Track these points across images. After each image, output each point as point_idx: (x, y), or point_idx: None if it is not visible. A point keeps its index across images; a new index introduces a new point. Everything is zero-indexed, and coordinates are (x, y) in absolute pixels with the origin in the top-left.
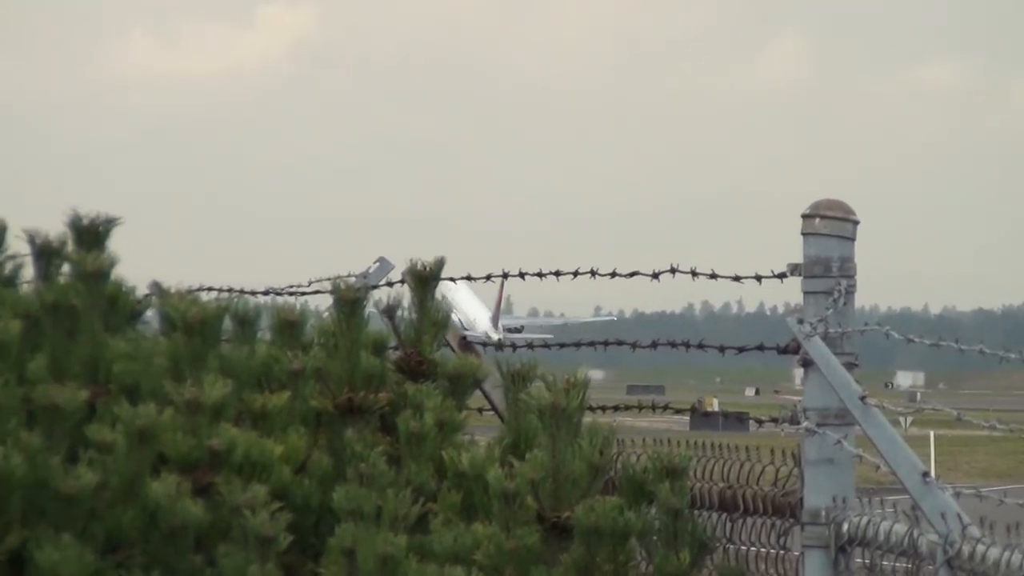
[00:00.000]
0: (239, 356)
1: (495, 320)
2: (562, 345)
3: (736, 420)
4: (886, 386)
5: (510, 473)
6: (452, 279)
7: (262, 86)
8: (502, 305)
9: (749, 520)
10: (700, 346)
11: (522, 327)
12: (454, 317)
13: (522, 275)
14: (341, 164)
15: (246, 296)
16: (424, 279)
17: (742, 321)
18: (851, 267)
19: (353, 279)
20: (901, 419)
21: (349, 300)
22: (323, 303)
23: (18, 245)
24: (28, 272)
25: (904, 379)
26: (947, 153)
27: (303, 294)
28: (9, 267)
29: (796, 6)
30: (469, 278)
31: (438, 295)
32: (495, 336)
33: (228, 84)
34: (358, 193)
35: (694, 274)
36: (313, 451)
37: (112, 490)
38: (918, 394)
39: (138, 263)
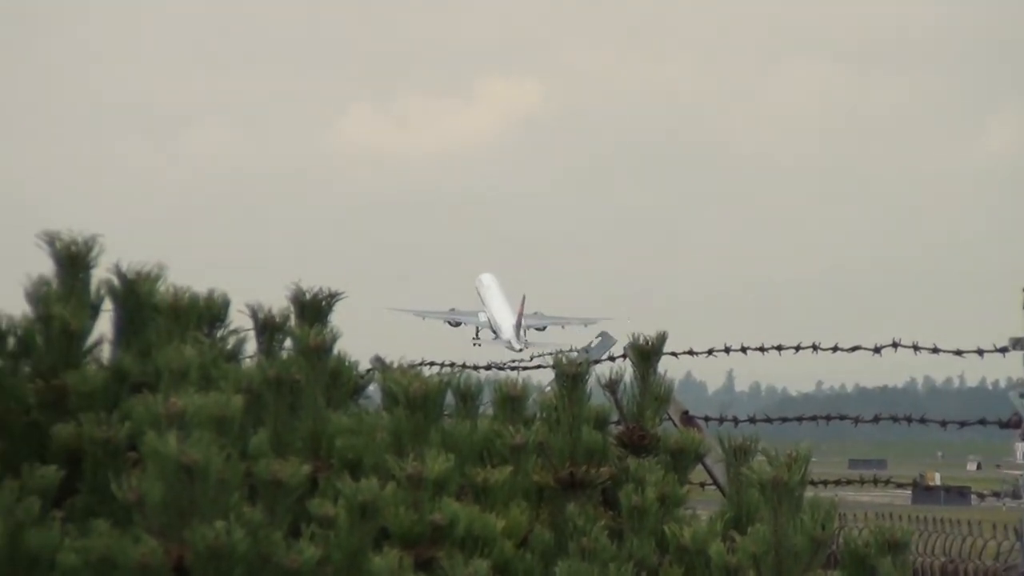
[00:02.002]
0: (461, 431)
1: (517, 329)
2: (784, 419)
3: (958, 494)
4: None
5: (732, 548)
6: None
7: (483, 160)
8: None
9: None
10: (922, 420)
11: (545, 327)
12: (481, 316)
13: (744, 349)
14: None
15: (468, 371)
16: (646, 354)
17: (964, 395)
18: None
19: (575, 354)
20: None
21: (571, 374)
22: (545, 377)
23: (241, 320)
24: (251, 347)
25: None
26: None
27: (525, 368)
28: (232, 342)
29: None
30: (691, 353)
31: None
32: (517, 346)
33: (448, 159)
34: (577, 263)
35: (916, 348)
36: (535, 525)
37: (335, 565)
38: None
39: (360, 338)
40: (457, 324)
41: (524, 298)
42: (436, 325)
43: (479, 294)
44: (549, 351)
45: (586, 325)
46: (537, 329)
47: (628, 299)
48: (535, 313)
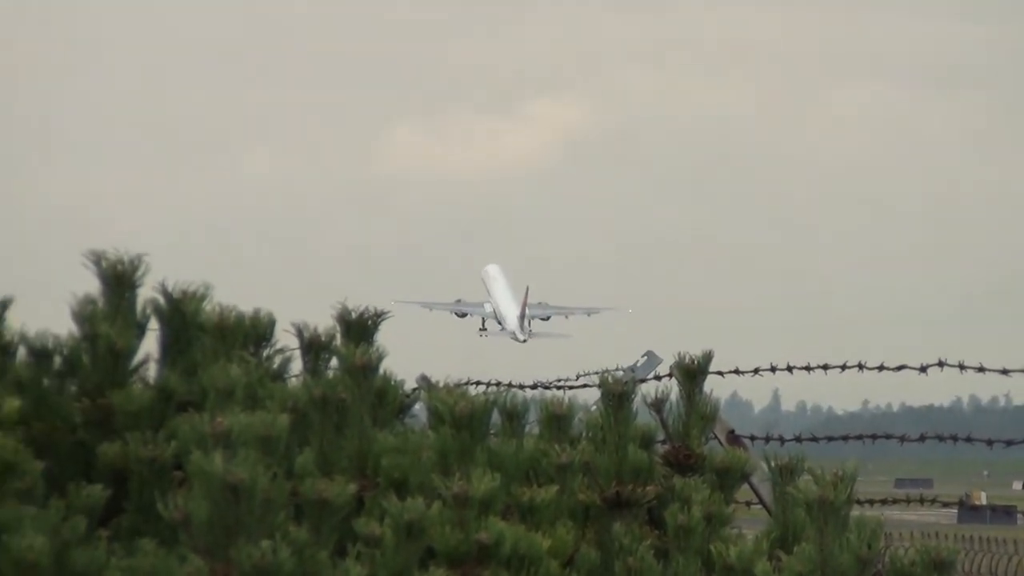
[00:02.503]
0: (507, 450)
1: (521, 320)
2: (830, 438)
3: (1004, 513)
4: None
5: (778, 567)
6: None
7: (531, 180)
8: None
9: None
10: (968, 439)
11: (549, 316)
12: (487, 307)
13: (790, 368)
14: (609, 259)
15: (514, 389)
16: (692, 373)
17: (1010, 414)
18: None
19: (621, 372)
20: None
21: (617, 393)
22: (591, 396)
23: (287, 339)
24: (297, 366)
25: None
26: None
27: (571, 387)
28: (278, 361)
29: None
30: (737, 372)
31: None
32: (521, 336)
33: (496, 179)
34: (625, 286)
35: (962, 367)
36: (581, 545)
37: None
38: None
39: (406, 356)
40: (463, 315)
41: (528, 289)
42: (481, 340)
43: (485, 285)
44: (552, 338)
45: (589, 314)
46: (541, 319)
47: (674, 320)
48: (539, 303)
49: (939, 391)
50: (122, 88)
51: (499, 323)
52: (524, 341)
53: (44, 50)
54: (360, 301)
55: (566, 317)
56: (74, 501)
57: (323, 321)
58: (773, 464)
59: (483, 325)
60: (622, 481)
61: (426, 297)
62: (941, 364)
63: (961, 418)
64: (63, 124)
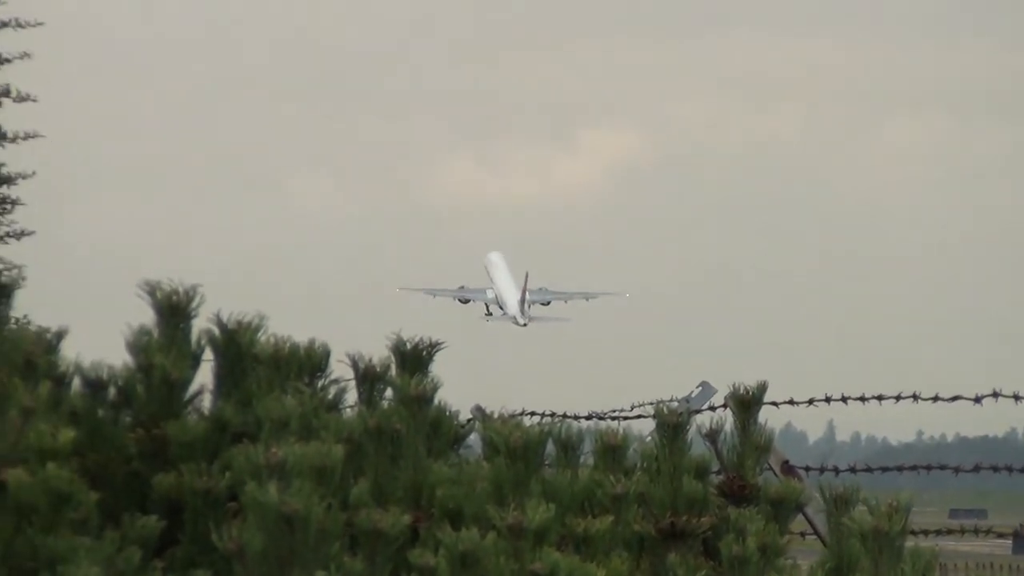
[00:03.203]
0: (562, 480)
1: (522, 304)
2: (885, 469)
3: None
4: None
5: None
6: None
7: (584, 210)
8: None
9: None
10: (1023, 470)
11: (549, 301)
12: (489, 293)
13: (844, 399)
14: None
15: (568, 420)
16: (747, 403)
17: None
18: None
19: (675, 403)
20: None
21: (672, 424)
22: (646, 427)
23: (342, 369)
24: (352, 396)
25: None
26: None
27: (626, 418)
28: (333, 391)
29: None
30: (791, 402)
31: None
32: (521, 320)
33: (550, 208)
34: (678, 318)
35: (1016, 398)
36: (636, 575)
37: None
38: None
39: (460, 387)
40: (467, 301)
41: (527, 274)
42: (536, 370)
43: (487, 272)
44: (551, 322)
45: (587, 299)
46: (542, 304)
47: (727, 350)
48: (540, 289)
49: (994, 421)
50: (174, 117)
51: (500, 308)
52: (524, 325)
53: (94, 78)
54: (416, 331)
55: (565, 302)
56: (129, 532)
57: (378, 351)
58: (828, 495)
59: (488, 311)
60: (677, 512)
61: (431, 283)
62: (996, 395)
63: (1016, 448)
64: (115, 153)
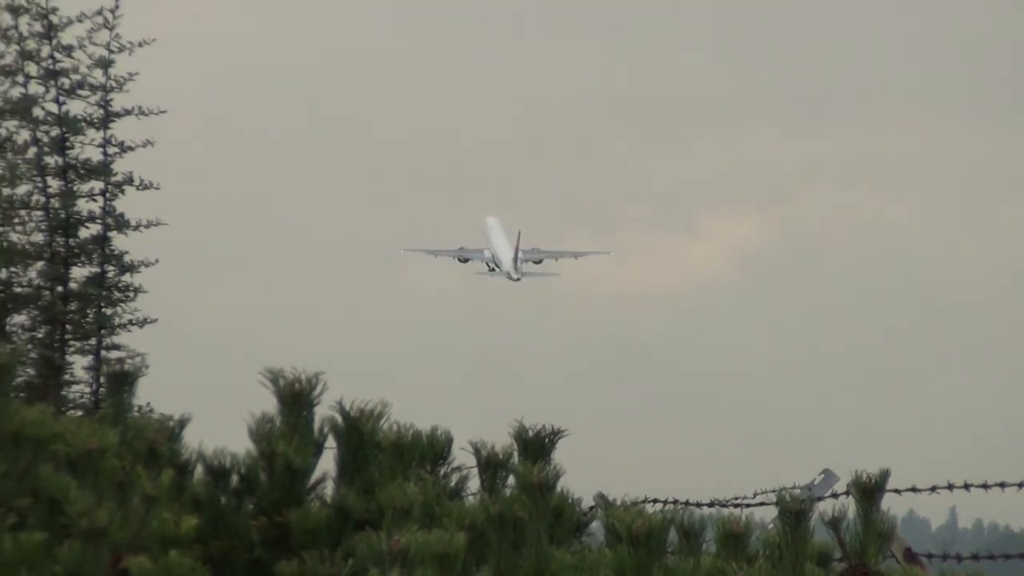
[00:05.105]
0: (684, 568)
1: (515, 262)
2: (1007, 556)
3: None
4: None
5: None
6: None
7: (709, 297)
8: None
9: None
10: None
11: (541, 259)
12: (486, 252)
13: (967, 486)
14: (782, 373)
15: (691, 507)
16: (869, 490)
17: None
18: None
19: (798, 491)
20: None
21: (794, 511)
22: (768, 515)
23: (464, 457)
24: (474, 484)
25: None
26: None
27: (748, 505)
28: (455, 479)
29: None
30: (914, 489)
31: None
32: (515, 276)
33: (676, 297)
34: (801, 402)
35: None
36: None
37: None
38: None
39: (584, 474)
40: (466, 260)
41: (519, 233)
42: (658, 457)
43: (485, 234)
44: (541, 276)
45: (576, 257)
46: (534, 262)
47: (849, 437)
48: (532, 248)
49: None
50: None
51: (496, 266)
52: (517, 280)
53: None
54: (539, 419)
55: (555, 260)
56: None
57: (501, 439)
58: None
59: (489, 267)
60: None
61: (432, 244)
62: None
63: None
64: (238, 240)
